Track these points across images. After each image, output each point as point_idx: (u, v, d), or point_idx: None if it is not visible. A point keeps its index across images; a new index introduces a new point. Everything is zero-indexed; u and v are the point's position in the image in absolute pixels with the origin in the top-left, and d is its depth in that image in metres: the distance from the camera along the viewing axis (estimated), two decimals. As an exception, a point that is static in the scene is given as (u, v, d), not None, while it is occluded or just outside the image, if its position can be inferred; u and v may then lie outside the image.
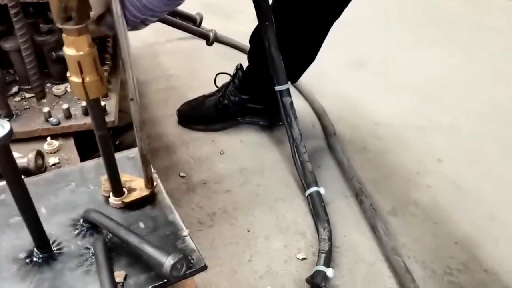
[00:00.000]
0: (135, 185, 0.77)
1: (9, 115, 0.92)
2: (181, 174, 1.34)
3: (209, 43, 1.44)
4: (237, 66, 1.49)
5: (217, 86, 1.57)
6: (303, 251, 1.14)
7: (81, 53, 0.55)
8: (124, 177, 0.76)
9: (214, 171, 1.36)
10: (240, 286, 1.06)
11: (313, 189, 1.24)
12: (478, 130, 1.59)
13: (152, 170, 0.76)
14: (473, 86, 1.84)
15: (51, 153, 0.89)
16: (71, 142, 0.92)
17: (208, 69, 1.77)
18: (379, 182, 1.36)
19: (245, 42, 1.91)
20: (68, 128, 0.92)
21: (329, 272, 1.04)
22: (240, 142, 1.48)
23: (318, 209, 1.20)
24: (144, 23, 0.58)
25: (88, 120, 0.93)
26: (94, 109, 0.63)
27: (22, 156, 0.82)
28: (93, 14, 0.53)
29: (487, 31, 2.25)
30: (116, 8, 0.53)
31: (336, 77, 1.86)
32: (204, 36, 1.51)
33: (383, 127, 1.59)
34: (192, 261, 0.65)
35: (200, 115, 1.52)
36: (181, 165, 1.37)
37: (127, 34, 0.57)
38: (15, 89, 0.99)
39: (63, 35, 0.54)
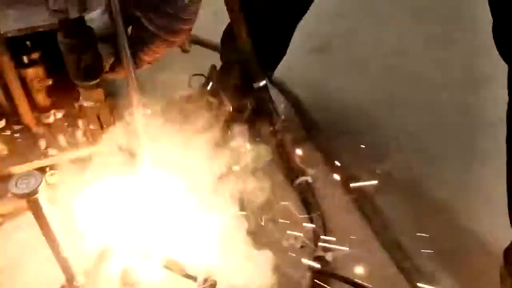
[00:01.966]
0: None
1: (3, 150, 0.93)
2: (172, 180, 1.37)
3: (185, 50, 1.45)
4: (211, 67, 1.52)
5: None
6: (300, 240, 1.21)
7: (99, 104, 0.58)
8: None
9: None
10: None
11: (301, 179, 1.31)
12: (436, 99, 1.69)
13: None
14: (425, 55, 1.93)
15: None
16: (70, 168, 0.93)
17: (176, 70, 1.77)
18: (360, 163, 1.44)
19: (207, 36, 1.94)
20: (64, 157, 0.93)
21: (329, 256, 1.12)
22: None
23: (308, 198, 1.28)
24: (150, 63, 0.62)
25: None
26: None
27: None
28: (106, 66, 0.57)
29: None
30: (126, 54, 0.57)
31: (302, 63, 1.89)
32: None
33: (356, 108, 1.67)
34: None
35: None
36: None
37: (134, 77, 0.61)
38: (2, 122, 0.99)
39: (81, 89, 0.57)
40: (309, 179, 1.31)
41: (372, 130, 1.57)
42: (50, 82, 1.00)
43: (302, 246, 1.20)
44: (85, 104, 0.58)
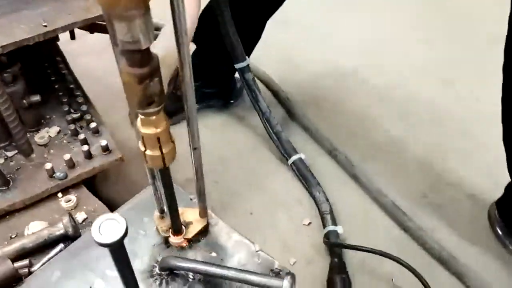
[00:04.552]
0: (189, 217, 0.78)
1: (6, 183, 0.83)
2: (164, 178, 1.32)
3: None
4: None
5: (163, 79, 1.52)
6: (307, 217, 1.25)
7: (160, 129, 0.54)
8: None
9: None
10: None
11: (295, 156, 1.33)
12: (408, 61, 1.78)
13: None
14: (388, 23, 2.00)
15: (72, 209, 0.84)
16: (85, 191, 0.87)
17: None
18: (342, 134, 1.49)
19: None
20: (77, 178, 0.86)
21: (339, 229, 1.17)
22: (206, 129, 1.49)
23: (306, 175, 1.30)
24: None
25: (94, 163, 0.88)
26: (165, 173, 0.63)
27: (52, 225, 0.77)
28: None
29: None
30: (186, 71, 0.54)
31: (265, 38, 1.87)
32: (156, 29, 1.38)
33: (327, 80, 1.70)
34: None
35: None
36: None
37: (193, 93, 0.58)
38: (-8, 150, 0.89)
39: (141, 117, 0.52)
40: (302, 155, 1.33)
41: (347, 100, 1.62)
42: (38, 98, 0.91)
43: (309, 223, 1.24)
44: (146, 131, 0.54)
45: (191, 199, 0.84)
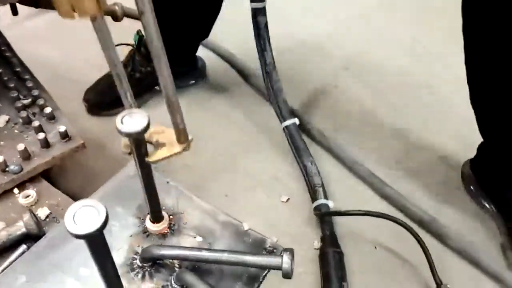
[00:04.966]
0: (164, 138, 0.63)
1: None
2: (130, 167, 1.23)
3: (118, 19, 1.22)
4: (137, 32, 1.36)
5: (117, 61, 1.42)
6: (284, 193, 1.20)
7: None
8: (153, 129, 0.61)
9: (160, 152, 1.28)
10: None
11: (290, 121, 1.25)
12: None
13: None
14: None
15: (32, 205, 0.74)
16: (45, 184, 0.78)
17: (92, 44, 1.55)
18: (308, 105, 1.45)
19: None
20: (34, 170, 0.77)
21: (330, 203, 1.12)
22: (167, 111, 1.40)
23: (298, 143, 1.23)
24: None
25: (53, 152, 0.79)
26: (138, 143, 0.55)
27: (10, 225, 0.68)
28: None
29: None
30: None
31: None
32: (109, 12, 1.23)
33: (295, 54, 1.64)
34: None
35: (113, 97, 1.37)
36: (125, 160, 1.26)
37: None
38: None
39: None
40: (297, 121, 1.27)
41: (306, 70, 1.58)
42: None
43: (288, 200, 1.19)
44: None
45: (167, 182, 0.77)
